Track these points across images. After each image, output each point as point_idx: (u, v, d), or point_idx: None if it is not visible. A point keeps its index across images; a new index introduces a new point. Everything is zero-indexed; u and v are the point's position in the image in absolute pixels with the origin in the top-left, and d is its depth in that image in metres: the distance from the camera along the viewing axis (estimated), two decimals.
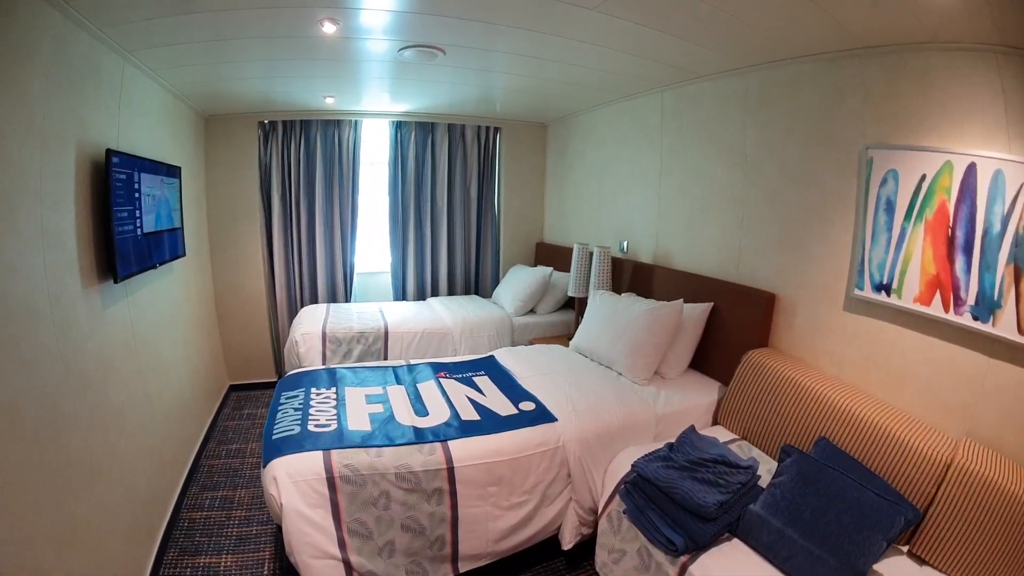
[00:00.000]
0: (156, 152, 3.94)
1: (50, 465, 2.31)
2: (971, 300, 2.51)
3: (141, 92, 3.77)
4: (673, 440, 3.06)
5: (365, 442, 3.11)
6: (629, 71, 4.11)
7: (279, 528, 2.99)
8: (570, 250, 5.85)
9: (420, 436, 3.22)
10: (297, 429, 3.19)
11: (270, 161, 5.98)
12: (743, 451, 3.23)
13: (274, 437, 3.13)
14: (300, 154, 6.03)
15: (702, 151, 4.13)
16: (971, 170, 2.47)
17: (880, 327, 2.96)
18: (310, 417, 3.36)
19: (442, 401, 3.71)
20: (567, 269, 5.87)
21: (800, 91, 3.30)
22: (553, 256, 6.59)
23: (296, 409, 3.47)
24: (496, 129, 6.78)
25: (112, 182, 2.96)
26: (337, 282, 6.43)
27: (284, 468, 2.87)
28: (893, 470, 2.54)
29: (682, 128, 4.34)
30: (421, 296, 6.78)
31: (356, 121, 6.13)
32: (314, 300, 6.39)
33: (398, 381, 4.07)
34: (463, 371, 4.32)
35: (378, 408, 3.58)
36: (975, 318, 2.50)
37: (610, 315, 4.37)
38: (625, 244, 5.26)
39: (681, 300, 3.98)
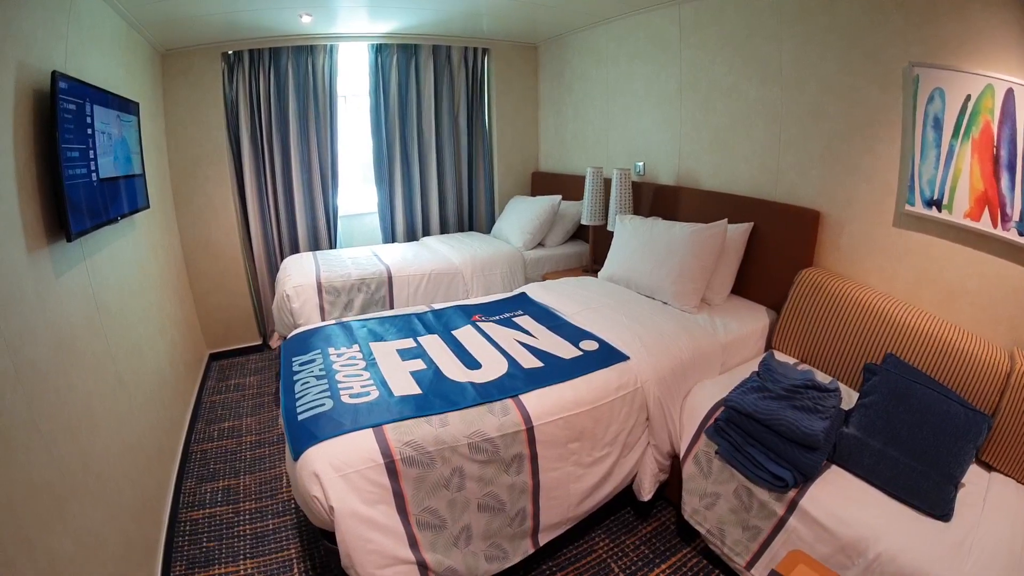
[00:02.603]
0: (109, 85, 3.12)
1: (6, 497, 1.63)
2: (1016, 216, 2.49)
3: (92, 13, 3.08)
4: (749, 369, 2.96)
5: (422, 409, 2.44)
6: None
7: (302, 518, 2.49)
8: (571, 178, 5.69)
9: (485, 393, 2.59)
10: (329, 403, 2.46)
11: (236, 97, 5.09)
12: None
13: (301, 418, 2.39)
14: (270, 88, 5.13)
15: (729, 66, 3.81)
16: (1009, 95, 2.44)
17: (930, 242, 2.86)
18: (340, 385, 2.63)
19: (491, 349, 3.07)
20: (569, 198, 5.58)
21: (837, 3, 3.08)
22: (552, 185, 6.03)
23: (319, 377, 2.72)
24: (484, 51, 5.97)
25: (60, 112, 2.25)
26: (319, 228, 5.61)
27: (326, 459, 2.16)
28: (960, 381, 2.52)
29: (705, 42, 3.98)
30: (412, 237, 6.04)
31: (331, 47, 5.23)
32: (295, 250, 5.57)
33: (428, 330, 3.37)
34: (499, 311, 3.68)
35: (419, 364, 2.89)
36: (1020, 233, 2.48)
37: (646, 241, 3.94)
38: (641, 166, 4.78)
39: (725, 220, 3.59)
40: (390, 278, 4.51)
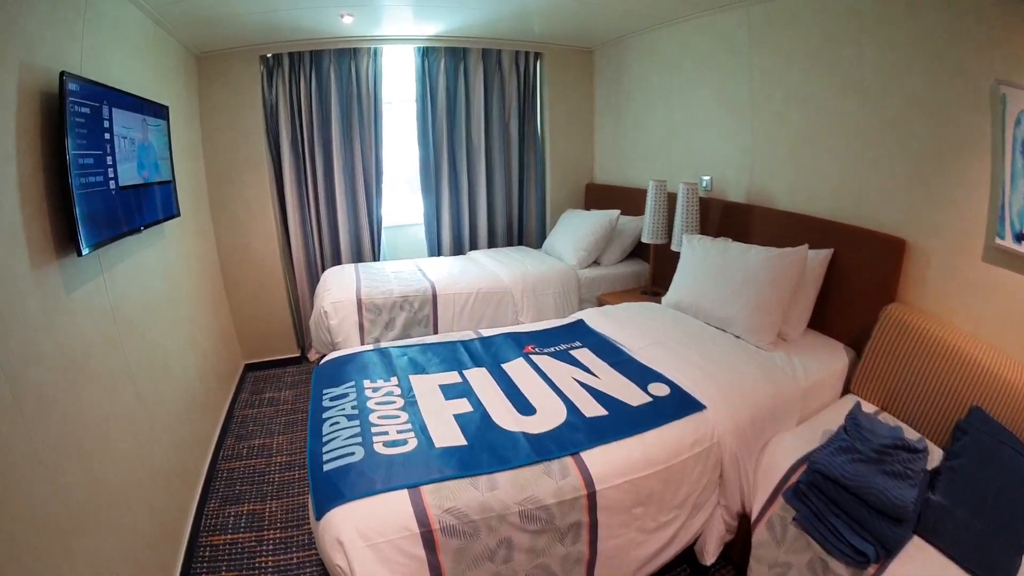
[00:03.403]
0: (135, 88, 2.90)
1: (6, 537, 1.54)
2: None
3: (114, 14, 2.86)
4: (828, 420, 2.62)
5: (467, 467, 2.10)
6: None
7: None
8: (629, 191, 5.29)
9: (541, 449, 2.24)
10: (360, 452, 2.15)
11: (276, 102, 4.85)
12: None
13: (327, 468, 2.09)
14: (311, 92, 4.89)
15: (805, 74, 3.47)
16: None
17: (1020, 281, 2.50)
18: (374, 428, 2.32)
19: (547, 390, 2.72)
20: (627, 213, 5.12)
21: (919, 10, 2.78)
22: (607, 198, 5.60)
23: (350, 417, 2.42)
24: (536, 55, 5.62)
25: (69, 115, 2.03)
26: (363, 238, 5.33)
27: (352, 524, 1.85)
28: None
29: (779, 48, 3.64)
30: (459, 250, 5.73)
31: (375, 49, 4.97)
32: (337, 261, 5.31)
33: (475, 362, 3.03)
34: (554, 342, 3.32)
35: (463, 405, 2.56)
36: None
37: (719, 265, 3.51)
38: (708, 181, 4.39)
39: (806, 246, 3.21)
40: (434, 296, 4.20)
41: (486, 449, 2.22)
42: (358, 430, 2.30)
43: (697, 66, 4.36)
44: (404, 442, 2.22)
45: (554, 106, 5.77)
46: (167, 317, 3.26)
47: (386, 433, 2.28)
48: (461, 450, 2.20)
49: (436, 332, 4.21)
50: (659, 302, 3.99)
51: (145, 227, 2.76)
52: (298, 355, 5.37)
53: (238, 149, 4.75)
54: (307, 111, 4.92)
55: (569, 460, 2.20)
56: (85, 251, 2.08)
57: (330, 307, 3.97)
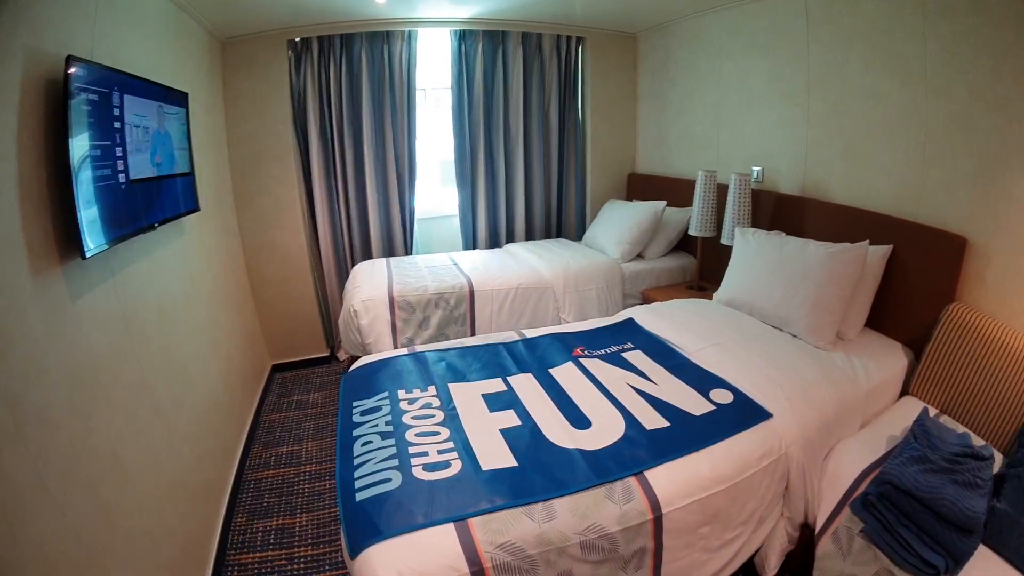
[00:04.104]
0: (151, 73, 2.68)
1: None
2: None
3: None
4: (891, 424, 2.53)
5: (520, 494, 1.87)
6: None
7: None
8: (674, 181, 5.04)
9: (600, 469, 2.02)
10: (396, 478, 1.91)
11: (304, 89, 4.62)
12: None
13: (360, 496, 1.85)
14: (341, 78, 4.65)
15: (865, 64, 3.33)
16: None
17: None
18: (411, 448, 2.09)
19: (601, 398, 2.49)
20: (671, 204, 4.85)
21: (983, 4, 2.69)
22: (651, 189, 5.36)
23: (384, 435, 2.18)
24: (579, 40, 5.31)
25: (72, 102, 1.82)
26: (395, 231, 5.10)
27: (393, 565, 1.62)
28: None
29: (836, 35, 3.50)
30: (495, 243, 5.46)
31: (410, 32, 4.71)
32: (367, 255, 5.07)
33: (520, 367, 2.80)
34: (604, 343, 3.08)
35: (511, 418, 2.32)
36: None
37: (775, 261, 3.34)
38: (758, 172, 4.16)
39: (867, 242, 3.07)
40: (471, 293, 3.96)
41: (539, 471, 1.98)
42: (393, 451, 2.06)
43: (748, 53, 4.18)
44: (447, 464, 1.99)
45: (596, 93, 5.50)
46: (187, 320, 3.06)
47: (425, 454, 2.04)
48: (512, 473, 1.97)
49: (473, 331, 3.99)
50: (709, 298, 3.82)
51: (160, 224, 2.54)
52: (327, 355, 5.15)
53: (264, 139, 4.54)
54: (337, 98, 4.69)
55: (632, 481, 1.98)
56: (89, 253, 1.87)
57: (360, 306, 3.75)
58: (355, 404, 2.45)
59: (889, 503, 2.09)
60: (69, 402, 1.78)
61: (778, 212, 3.95)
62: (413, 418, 2.29)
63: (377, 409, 2.37)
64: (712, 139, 4.64)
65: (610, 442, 2.16)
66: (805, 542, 2.47)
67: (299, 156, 4.75)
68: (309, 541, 2.92)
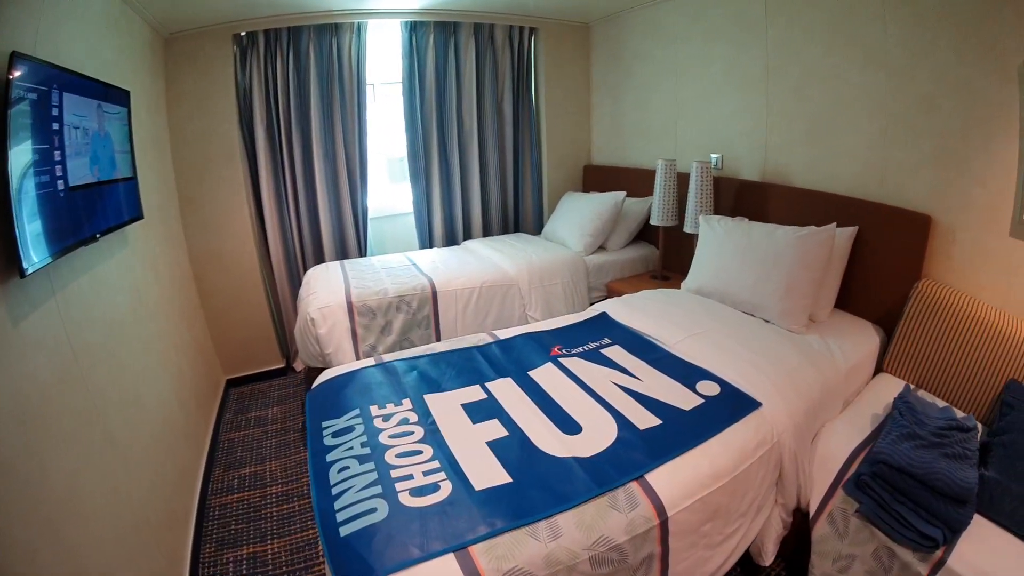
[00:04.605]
0: (91, 69, 2.46)
1: None
2: None
3: None
4: (870, 404, 2.60)
5: (520, 513, 1.73)
6: None
7: None
8: (631, 171, 5.05)
9: (600, 476, 1.92)
10: (382, 508, 1.74)
11: (250, 86, 4.38)
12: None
13: (345, 532, 1.68)
14: (289, 73, 4.43)
15: (825, 48, 3.37)
16: None
17: None
18: (393, 471, 1.92)
19: (586, 398, 2.40)
20: (629, 194, 4.77)
21: None
22: (607, 180, 5.28)
23: (362, 458, 2.00)
24: (531, 30, 5.23)
25: (11, 100, 1.63)
26: (347, 232, 4.89)
27: None
28: None
29: (795, 20, 3.51)
30: (452, 240, 5.32)
31: (359, 25, 4.51)
32: (320, 258, 4.86)
33: (498, 371, 2.66)
34: (581, 340, 2.97)
35: (497, 429, 2.18)
36: None
37: (744, 247, 3.34)
38: (717, 159, 4.16)
39: (834, 224, 3.12)
40: (434, 294, 3.80)
41: (537, 485, 1.85)
42: (375, 476, 1.89)
43: (707, 40, 4.15)
44: (435, 487, 1.83)
45: (550, 85, 5.40)
46: (136, 337, 2.82)
47: (411, 477, 1.88)
48: (508, 490, 1.83)
49: (439, 333, 3.83)
50: (676, 287, 3.82)
51: (102, 234, 2.32)
52: (283, 366, 4.92)
53: (209, 139, 4.28)
54: (284, 95, 4.46)
55: (635, 486, 1.88)
56: (30, 270, 1.66)
57: (317, 313, 3.54)
58: (324, 425, 2.26)
59: (883, 481, 2.12)
60: (20, 439, 1.59)
61: (740, 198, 3.94)
62: (391, 437, 2.12)
63: (349, 429, 2.20)
64: (669, 128, 4.62)
65: (605, 446, 2.06)
66: (798, 527, 2.47)
67: (246, 157, 4.52)
68: (284, 569, 2.74)
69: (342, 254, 4.92)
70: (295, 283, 4.74)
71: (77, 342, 2.10)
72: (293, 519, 3.09)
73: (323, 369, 3.29)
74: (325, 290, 3.75)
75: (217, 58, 4.20)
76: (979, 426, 2.38)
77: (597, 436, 2.12)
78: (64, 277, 2.10)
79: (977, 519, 2.01)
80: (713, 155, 4.15)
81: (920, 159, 2.95)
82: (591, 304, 3.92)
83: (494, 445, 2.06)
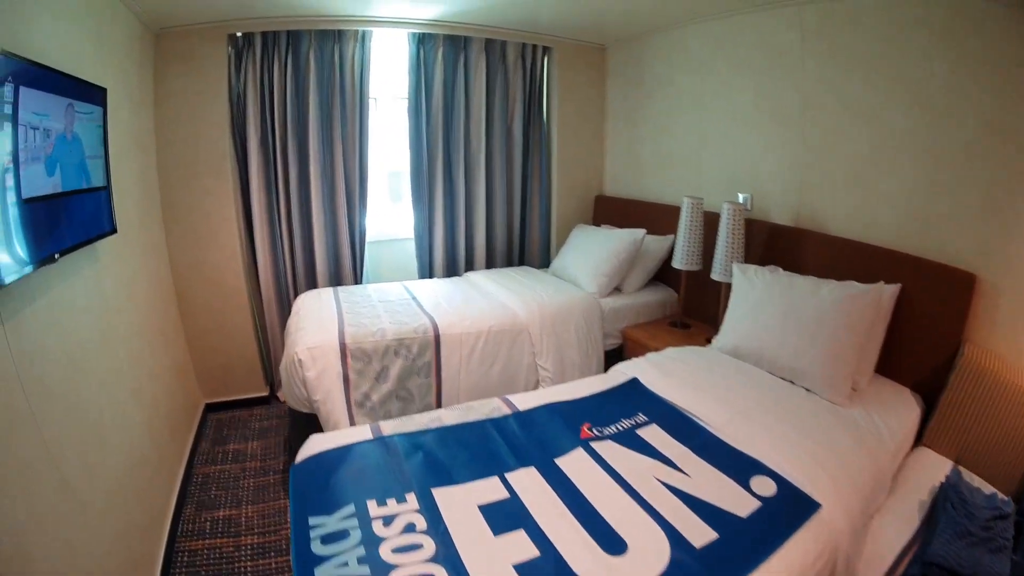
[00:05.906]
0: (63, 63, 2.13)
1: None
2: None
3: None
4: (913, 487, 2.30)
5: None
6: None
7: None
8: (645, 206, 4.72)
9: None
10: None
11: (245, 90, 4.03)
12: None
13: None
14: (286, 80, 4.08)
15: (869, 84, 3.09)
16: None
17: None
18: None
19: (629, 503, 1.98)
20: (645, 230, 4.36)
21: (983, 30, 2.59)
22: (620, 213, 4.98)
23: None
24: (545, 49, 4.95)
25: None
26: (343, 256, 4.53)
27: None
28: None
29: (834, 53, 3.25)
30: (453, 270, 4.96)
31: (364, 33, 4.19)
32: (312, 283, 4.49)
33: (518, 457, 2.23)
34: (612, 416, 2.55)
35: (523, 545, 1.77)
36: None
37: (785, 304, 3.00)
38: (747, 199, 3.82)
39: (882, 283, 2.84)
40: (437, 337, 3.42)
41: None
42: None
43: (735, 69, 3.87)
44: None
45: (563, 108, 5.09)
46: (103, 366, 2.47)
47: None
48: None
49: (439, 383, 3.44)
50: (699, 337, 3.63)
51: (63, 254, 1.97)
52: (266, 394, 4.52)
53: (198, 145, 3.93)
54: (280, 103, 4.12)
55: None
56: None
57: (306, 354, 3.14)
58: (312, 523, 1.85)
59: None
60: None
61: (771, 244, 3.61)
62: (394, 550, 1.73)
63: (343, 535, 1.79)
64: (692, 161, 4.32)
65: (658, 572, 1.67)
66: None
67: (237, 167, 4.16)
68: None
69: (336, 280, 4.57)
70: (284, 307, 4.38)
71: (28, 378, 1.79)
72: None
73: (308, 414, 3.00)
74: (316, 326, 3.38)
75: (210, 58, 3.89)
76: (1013, 506, 2.15)
77: (646, 558, 1.73)
78: (15, 304, 1.78)
79: None
80: (741, 194, 3.83)
81: (966, 211, 2.73)
82: (605, 351, 3.58)
83: (524, 569, 1.67)
